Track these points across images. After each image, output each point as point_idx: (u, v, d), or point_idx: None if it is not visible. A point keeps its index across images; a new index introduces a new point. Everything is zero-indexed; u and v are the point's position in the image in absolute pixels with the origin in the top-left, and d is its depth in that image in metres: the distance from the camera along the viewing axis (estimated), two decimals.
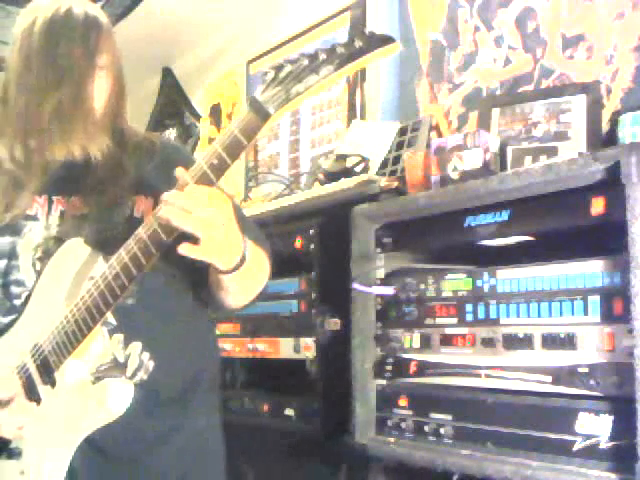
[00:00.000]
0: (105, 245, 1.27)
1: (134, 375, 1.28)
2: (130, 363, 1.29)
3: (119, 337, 1.29)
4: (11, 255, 1.33)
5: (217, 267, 1.14)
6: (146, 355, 1.30)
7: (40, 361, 1.26)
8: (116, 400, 1.22)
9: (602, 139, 1.73)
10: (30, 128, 1.32)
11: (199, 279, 1.32)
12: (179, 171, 1.07)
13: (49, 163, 1.33)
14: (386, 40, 0.99)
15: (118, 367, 1.27)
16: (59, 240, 1.32)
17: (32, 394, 1.26)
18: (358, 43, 0.97)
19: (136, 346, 1.29)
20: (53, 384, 1.25)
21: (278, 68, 1.01)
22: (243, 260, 1.16)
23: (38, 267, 1.32)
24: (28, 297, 1.32)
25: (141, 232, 1.11)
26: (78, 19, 1.31)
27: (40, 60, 1.30)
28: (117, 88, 1.37)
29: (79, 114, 1.29)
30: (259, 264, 1.30)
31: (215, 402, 1.45)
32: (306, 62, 0.99)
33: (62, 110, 1.28)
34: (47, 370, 1.25)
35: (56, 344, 1.23)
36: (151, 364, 1.30)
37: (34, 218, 1.35)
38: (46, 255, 1.31)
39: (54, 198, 1.36)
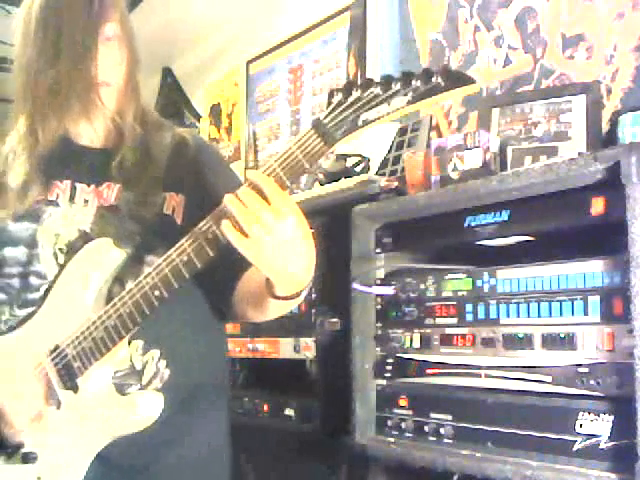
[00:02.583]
0: (135, 246, 1.25)
1: (149, 383, 1.26)
2: (147, 371, 1.26)
3: (138, 343, 1.26)
4: (31, 243, 1.28)
5: (274, 290, 1.11)
6: (163, 363, 1.27)
7: (62, 365, 1.22)
8: (148, 411, 1.21)
9: (602, 139, 1.72)
10: (28, 108, 1.28)
11: (224, 284, 1.30)
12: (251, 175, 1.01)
13: (61, 145, 1.30)
14: (466, 80, 0.94)
15: (135, 374, 1.25)
16: (85, 234, 1.27)
17: (51, 398, 1.23)
18: (437, 79, 0.92)
19: (154, 354, 1.27)
20: (75, 389, 1.22)
21: (346, 91, 0.96)
22: (300, 294, 1.14)
23: (60, 259, 1.27)
24: (47, 291, 1.27)
25: (185, 244, 1.09)
26: None
27: (37, 36, 1.25)
28: (133, 63, 1.31)
29: (77, 88, 1.24)
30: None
31: (223, 408, 1.42)
32: (378, 90, 0.94)
33: (58, 85, 1.23)
34: (70, 375, 1.21)
35: (82, 349, 1.20)
36: (167, 372, 1.27)
37: (55, 204, 1.30)
38: (70, 249, 1.27)
39: (78, 185, 1.31)
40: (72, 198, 1.30)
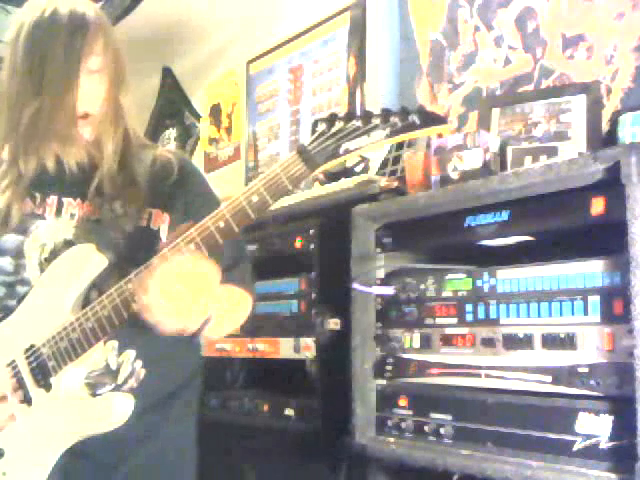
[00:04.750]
0: (116, 255, 1.27)
1: (125, 382, 1.28)
2: (122, 370, 1.28)
3: (113, 343, 1.28)
4: (18, 254, 1.32)
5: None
6: (139, 363, 1.29)
7: (36, 363, 1.24)
8: (120, 413, 1.22)
9: (602, 139, 1.72)
10: (9, 137, 1.33)
11: None
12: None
13: (48, 163, 1.35)
14: (439, 120, 1.03)
15: (110, 374, 1.27)
16: (69, 242, 1.31)
17: (23, 395, 1.25)
18: (413, 118, 1.01)
19: (129, 354, 1.29)
20: (48, 388, 1.24)
21: (329, 122, 1.04)
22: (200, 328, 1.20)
23: (45, 267, 1.31)
24: (27, 293, 1.30)
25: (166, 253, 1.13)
26: (62, 21, 1.27)
27: (23, 67, 1.29)
28: (115, 90, 1.35)
29: (58, 122, 1.28)
30: (239, 306, 1.38)
31: (193, 412, 1.45)
32: (359, 123, 1.02)
33: (39, 118, 1.27)
34: (43, 374, 1.24)
35: (57, 349, 1.22)
36: (142, 372, 1.30)
37: (41, 217, 1.34)
38: (54, 257, 1.30)
39: (64, 200, 1.35)
40: (59, 212, 1.35)
